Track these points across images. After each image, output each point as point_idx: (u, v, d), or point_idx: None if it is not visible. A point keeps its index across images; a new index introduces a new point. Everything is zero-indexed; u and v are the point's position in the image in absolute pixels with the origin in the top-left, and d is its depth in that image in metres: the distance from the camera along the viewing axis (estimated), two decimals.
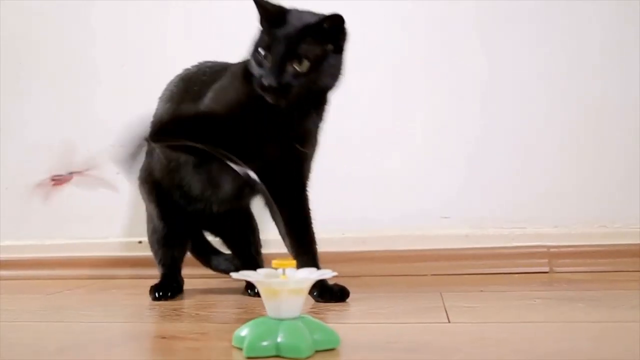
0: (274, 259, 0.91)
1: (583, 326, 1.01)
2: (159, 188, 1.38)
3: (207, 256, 1.53)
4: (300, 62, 1.13)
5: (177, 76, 1.40)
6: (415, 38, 1.71)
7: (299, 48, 1.13)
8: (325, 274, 0.92)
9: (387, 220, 1.68)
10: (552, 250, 1.61)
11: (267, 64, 1.14)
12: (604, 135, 1.64)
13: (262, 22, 1.19)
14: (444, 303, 1.20)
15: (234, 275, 0.95)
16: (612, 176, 1.63)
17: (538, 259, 1.60)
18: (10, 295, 1.56)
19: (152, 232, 1.44)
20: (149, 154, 1.37)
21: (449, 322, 1.05)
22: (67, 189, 1.34)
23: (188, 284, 1.46)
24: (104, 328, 1.15)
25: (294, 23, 1.15)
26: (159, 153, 1.32)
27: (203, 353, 0.92)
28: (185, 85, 1.35)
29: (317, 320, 0.90)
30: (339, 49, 1.18)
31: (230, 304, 1.26)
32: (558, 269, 1.59)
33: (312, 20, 1.16)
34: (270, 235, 1.45)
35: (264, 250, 1.48)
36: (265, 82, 1.13)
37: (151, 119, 1.29)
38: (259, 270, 0.94)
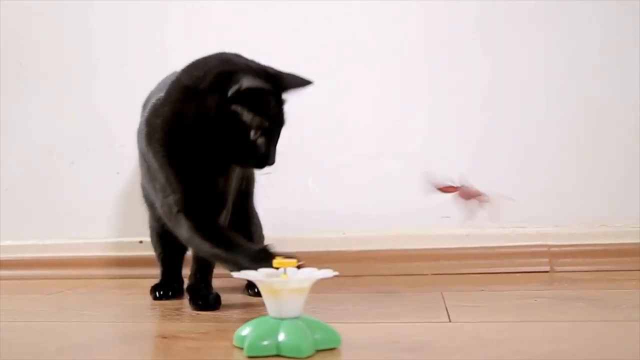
0: (274, 258, 0.91)
1: (583, 326, 1.01)
2: None
3: None
4: None
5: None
6: (415, 38, 1.71)
7: None
8: (326, 273, 0.92)
9: (387, 220, 1.68)
10: (552, 249, 1.61)
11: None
12: (604, 135, 1.64)
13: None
14: (444, 302, 1.20)
15: (234, 274, 0.95)
16: (613, 176, 1.63)
17: (539, 259, 1.60)
18: (10, 295, 1.56)
19: (152, 227, 1.44)
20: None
21: (450, 321, 1.05)
22: None
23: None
24: (104, 328, 1.15)
25: None
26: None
27: (204, 353, 0.92)
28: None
29: (318, 320, 0.90)
30: None
31: (230, 304, 1.26)
32: (559, 269, 1.59)
33: None
34: (270, 235, 1.46)
35: None
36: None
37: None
38: (260, 270, 0.94)
